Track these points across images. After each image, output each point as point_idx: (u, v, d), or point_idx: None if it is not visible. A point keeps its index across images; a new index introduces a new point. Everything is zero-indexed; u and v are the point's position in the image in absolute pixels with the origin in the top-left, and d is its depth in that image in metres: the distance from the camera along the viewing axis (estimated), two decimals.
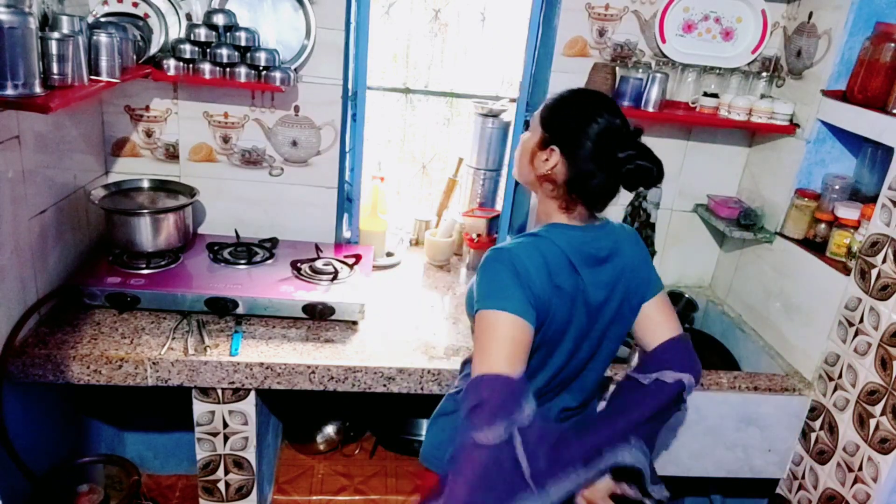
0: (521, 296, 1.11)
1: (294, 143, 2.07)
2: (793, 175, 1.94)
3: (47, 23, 1.49)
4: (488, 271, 1.15)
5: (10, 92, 1.23)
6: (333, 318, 1.76)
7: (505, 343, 1.09)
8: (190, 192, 1.96)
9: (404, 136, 2.52)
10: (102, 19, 1.74)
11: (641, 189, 2.19)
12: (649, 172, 1.16)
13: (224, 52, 1.81)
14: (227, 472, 1.74)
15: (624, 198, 2.23)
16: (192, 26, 1.81)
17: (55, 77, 1.36)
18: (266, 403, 1.82)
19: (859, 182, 1.86)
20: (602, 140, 1.14)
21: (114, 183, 1.94)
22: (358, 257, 1.98)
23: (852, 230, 1.72)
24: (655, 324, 1.33)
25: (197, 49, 1.82)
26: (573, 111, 1.17)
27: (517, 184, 2.29)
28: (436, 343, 1.77)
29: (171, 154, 2.06)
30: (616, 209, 2.25)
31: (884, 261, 1.58)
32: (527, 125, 2.21)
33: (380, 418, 2.13)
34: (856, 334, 1.65)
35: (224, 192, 2.10)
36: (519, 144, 1.27)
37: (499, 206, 2.42)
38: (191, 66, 1.82)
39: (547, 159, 1.18)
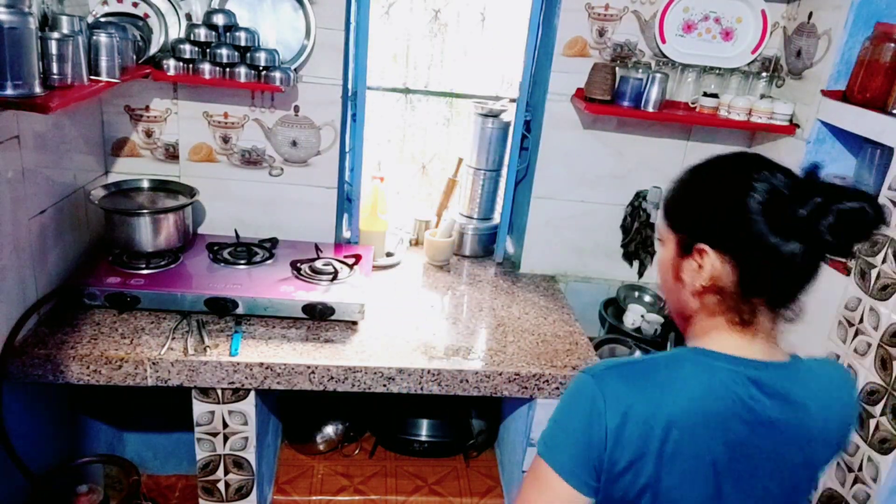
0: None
1: (294, 144, 2.07)
2: None
3: (47, 23, 1.49)
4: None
5: (9, 92, 1.23)
6: (333, 318, 1.76)
7: None
8: (190, 192, 1.95)
9: (404, 136, 2.52)
10: (102, 19, 1.74)
11: (644, 189, 2.20)
12: (861, 214, 0.80)
13: (224, 52, 1.81)
14: (226, 472, 1.74)
15: (623, 198, 2.24)
16: (191, 26, 1.81)
17: (55, 77, 1.36)
18: (266, 403, 1.82)
19: (859, 182, 1.86)
20: (768, 205, 0.82)
21: (113, 183, 1.94)
22: (358, 257, 1.98)
23: None
24: None
25: (197, 49, 1.82)
26: (710, 190, 0.88)
27: (517, 185, 2.30)
28: (436, 343, 1.77)
29: (171, 154, 2.05)
30: (616, 209, 2.25)
31: (884, 261, 1.58)
32: (527, 126, 2.22)
33: (380, 418, 2.13)
34: (856, 334, 1.65)
35: (224, 192, 2.10)
36: (658, 265, 0.98)
37: (499, 206, 2.42)
38: (191, 66, 1.82)
39: (699, 266, 0.87)
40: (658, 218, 0.99)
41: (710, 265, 0.86)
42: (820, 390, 0.90)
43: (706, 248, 0.85)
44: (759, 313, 0.87)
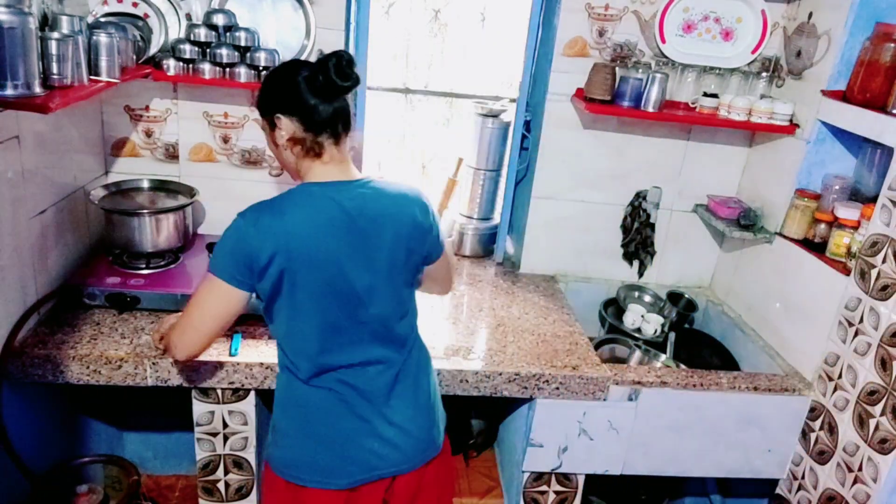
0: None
1: None
2: (793, 175, 1.95)
3: (47, 23, 1.48)
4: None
5: (9, 92, 1.23)
6: None
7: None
8: (190, 192, 1.95)
9: (404, 136, 2.52)
10: (102, 19, 1.74)
11: (644, 189, 2.21)
12: (340, 58, 1.20)
13: (224, 52, 1.81)
14: (226, 472, 1.74)
15: (623, 198, 2.24)
16: (191, 26, 1.81)
17: (55, 77, 1.36)
18: (266, 404, 1.82)
19: (859, 182, 1.86)
20: (309, 83, 1.21)
21: (113, 183, 1.94)
22: None
23: (852, 230, 1.72)
24: (437, 281, 1.51)
25: (197, 49, 1.82)
26: (270, 87, 1.26)
27: (517, 185, 2.30)
28: (436, 343, 1.77)
29: (171, 154, 2.05)
30: (615, 209, 2.25)
31: (884, 261, 1.58)
32: (527, 126, 2.22)
33: None
34: (856, 334, 1.65)
35: (224, 192, 2.10)
36: (270, 151, 1.35)
37: (499, 206, 2.42)
38: (191, 66, 1.82)
39: (280, 128, 1.24)
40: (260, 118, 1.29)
41: (285, 125, 1.23)
42: (395, 194, 1.31)
43: (280, 115, 1.23)
44: (327, 147, 1.25)
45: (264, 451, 1.38)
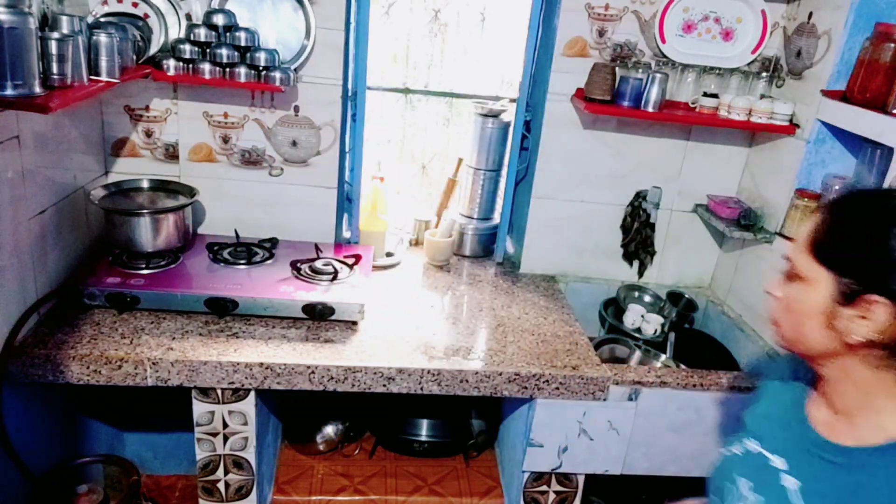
0: None
1: (294, 144, 2.07)
2: (793, 175, 1.94)
3: (47, 23, 1.48)
4: None
5: (9, 92, 1.23)
6: (333, 318, 1.76)
7: None
8: (190, 192, 1.95)
9: (404, 136, 2.52)
10: (102, 19, 1.74)
11: (644, 189, 2.20)
12: None
13: (224, 52, 1.81)
14: (226, 472, 1.74)
15: (623, 198, 2.24)
16: (191, 26, 1.81)
17: (55, 77, 1.36)
18: (266, 404, 1.82)
19: (859, 182, 1.86)
20: None
21: (113, 183, 1.94)
22: (358, 257, 1.98)
23: None
24: None
25: (197, 49, 1.82)
26: (881, 229, 0.75)
27: (517, 185, 2.30)
28: (436, 343, 1.77)
29: (171, 154, 2.05)
30: (615, 209, 2.25)
31: None
32: (527, 126, 2.22)
33: (380, 418, 2.13)
34: None
35: (224, 192, 2.10)
36: (784, 303, 0.86)
37: (499, 206, 2.42)
38: (191, 66, 1.82)
39: (865, 318, 0.77)
40: (800, 248, 0.85)
41: (882, 316, 0.74)
42: None
43: (880, 299, 0.74)
44: None
45: None
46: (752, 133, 2.17)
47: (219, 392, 1.62)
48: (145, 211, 1.82)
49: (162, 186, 2.00)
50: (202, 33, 1.80)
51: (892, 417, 0.77)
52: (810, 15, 1.92)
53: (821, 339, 0.80)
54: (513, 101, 2.31)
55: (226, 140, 2.05)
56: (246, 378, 1.59)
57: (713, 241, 2.34)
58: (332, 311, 1.75)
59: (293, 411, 2.11)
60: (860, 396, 0.80)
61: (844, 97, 1.78)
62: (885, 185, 1.58)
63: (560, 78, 2.06)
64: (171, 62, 1.80)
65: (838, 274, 0.78)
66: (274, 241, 2.06)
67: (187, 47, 1.80)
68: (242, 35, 1.82)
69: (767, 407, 1.00)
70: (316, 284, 1.83)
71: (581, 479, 1.86)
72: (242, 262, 1.91)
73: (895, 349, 0.75)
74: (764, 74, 2.06)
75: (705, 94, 2.01)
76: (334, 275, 1.87)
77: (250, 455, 1.72)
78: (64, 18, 1.44)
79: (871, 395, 0.78)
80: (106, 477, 1.91)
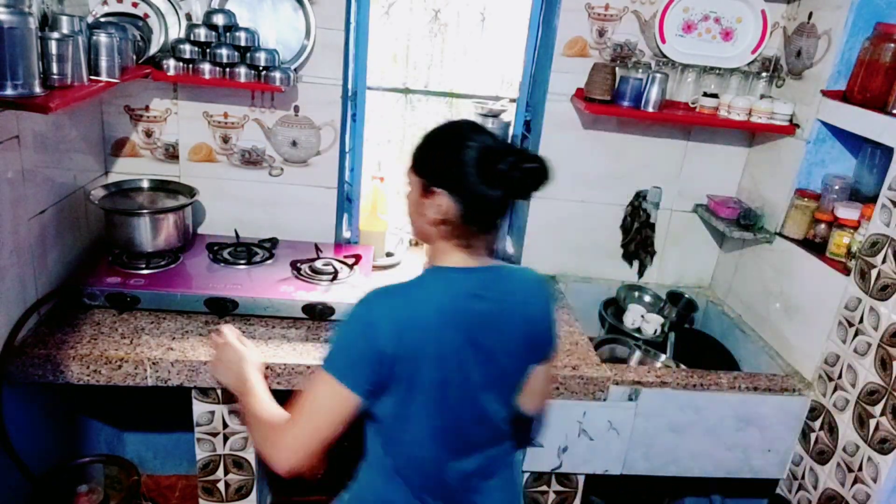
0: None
1: (294, 144, 2.07)
2: (793, 175, 1.95)
3: (47, 23, 1.48)
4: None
5: (9, 92, 1.23)
6: (333, 318, 1.76)
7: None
8: (190, 192, 1.95)
9: (404, 136, 2.52)
10: (102, 19, 1.74)
11: (644, 189, 2.20)
12: (535, 172, 1.10)
13: (224, 52, 1.81)
14: (226, 472, 1.74)
15: (623, 198, 2.24)
16: (191, 26, 1.81)
17: (55, 77, 1.36)
18: None
19: (859, 182, 1.86)
20: (481, 162, 1.09)
21: (113, 183, 1.94)
22: (358, 257, 1.98)
23: (852, 230, 1.72)
24: (535, 392, 1.29)
25: (197, 49, 1.82)
26: (442, 149, 1.13)
27: None
28: None
29: (171, 154, 2.05)
30: (615, 209, 2.25)
31: (884, 261, 1.58)
32: (527, 126, 2.22)
33: None
34: (856, 334, 1.65)
35: (224, 192, 2.10)
36: (407, 205, 1.22)
37: None
38: (191, 66, 1.82)
39: (437, 204, 1.12)
40: (408, 164, 1.19)
41: (443, 203, 1.11)
42: (522, 282, 1.22)
43: (441, 190, 1.11)
44: (474, 237, 1.15)
45: None
46: (752, 133, 2.17)
47: (219, 392, 1.62)
48: (145, 211, 1.82)
49: (162, 186, 2.00)
50: (202, 33, 1.80)
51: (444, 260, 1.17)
52: (810, 15, 1.92)
53: (421, 224, 1.17)
54: (513, 101, 2.30)
55: (226, 140, 2.05)
56: None
57: (713, 241, 2.34)
58: (332, 311, 1.75)
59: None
60: (438, 256, 1.18)
61: (844, 97, 1.78)
62: (885, 184, 1.58)
63: (560, 78, 2.06)
64: (171, 62, 1.80)
65: (421, 176, 1.14)
66: (274, 241, 2.06)
67: (187, 47, 1.80)
68: (242, 35, 1.82)
69: None
70: (316, 284, 1.83)
71: (581, 479, 1.86)
72: (242, 262, 1.91)
73: (454, 224, 1.12)
74: (764, 74, 2.06)
75: (705, 94, 2.01)
76: (334, 275, 1.87)
77: (250, 455, 1.72)
78: (64, 18, 1.44)
79: (443, 255, 1.17)
80: (106, 477, 1.91)
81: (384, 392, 1.10)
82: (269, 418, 1.21)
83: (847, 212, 1.73)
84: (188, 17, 1.89)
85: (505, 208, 1.15)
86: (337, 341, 1.11)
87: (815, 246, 1.87)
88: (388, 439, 1.17)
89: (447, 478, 1.19)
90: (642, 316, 2.15)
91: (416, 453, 1.17)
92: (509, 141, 1.15)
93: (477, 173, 1.09)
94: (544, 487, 1.85)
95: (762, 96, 2.04)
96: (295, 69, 1.94)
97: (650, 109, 1.95)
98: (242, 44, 1.83)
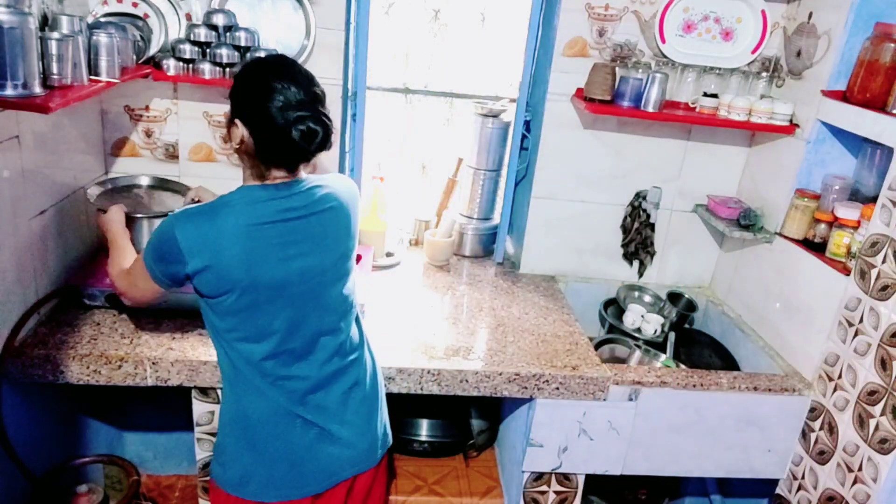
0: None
1: None
2: (793, 175, 1.95)
3: (47, 23, 1.49)
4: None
5: (9, 92, 1.23)
6: None
7: None
8: (185, 190, 1.94)
9: (404, 136, 2.52)
10: (102, 19, 1.74)
11: (644, 189, 2.21)
12: (315, 134, 1.21)
13: (224, 52, 1.81)
14: None
15: (623, 198, 2.24)
16: (191, 26, 1.81)
17: (55, 77, 1.36)
18: None
19: (859, 182, 1.86)
20: (277, 107, 1.19)
21: (109, 180, 1.92)
22: (358, 257, 1.98)
23: (852, 230, 1.72)
24: None
25: (197, 49, 1.82)
26: (250, 84, 1.22)
27: (517, 185, 2.30)
28: (436, 343, 1.77)
29: (171, 154, 2.05)
30: (615, 209, 2.25)
31: (884, 261, 1.58)
32: (527, 126, 2.22)
33: None
34: (855, 334, 1.65)
35: (224, 192, 2.09)
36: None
37: (499, 206, 2.42)
38: (191, 66, 1.82)
39: (237, 133, 1.24)
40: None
41: (240, 133, 1.23)
42: (327, 182, 1.34)
43: (239, 122, 1.23)
44: (272, 171, 1.26)
45: (211, 470, 1.37)
46: (752, 133, 2.17)
47: (219, 392, 1.62)
48: (140, 215, 1.81)
49: (160, 185, 1.99)
50: (202, 33, 1.80)
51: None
52: (810, 15, 1.92)
53: (230, 146, 1.29)
54: (513, 101, 2.31)
55: (226, 140, 2.05)
56: None
57: (713, 241, 2.34)
58: None
59: None
60: (245, 178, 1.30)
61: (844, 97, 1.78)
62: (885, 184, 1.58)
63: (560, 78, 2.06)
64: (171, 62, 1.80)
65: (230, 103, 1.26)
66: None
67: (187, 47, 1.80)
68: (242, 35, 1.82)
69: None
70: None
71: (581, 479, 1.86)
72: None
73: (250, 154, 1.24)
74: (764, 74, 2.06)
75: (705, 94, 2.01)
76: None
77: None
78: (64, 18, 1.44)
79: (247, 179, 1.30)
80: (106, 477, 1.91)
81: (213, 297, 1.24)
82: (119, 261, 1.46)
83: (847, 212, 1.73)
84: (188, 17, 1.88)
85: (290, 153, 1.23)
86: (151, 247, 1.25)
87: (815, 246, 1.87)
88: (231, 343, 1.28)
89: (281, 376, 1.29)
90: (642, 316, 2.15)
91: (251, 353, 1.27)
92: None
93: (269, 116, 1.19)
94: (544, 487, 1.85)
95: (762, 96, 2.04)
96: None
97: (650, 109, 1.95)
98: (242, 44, 1.83)
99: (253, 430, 1.29)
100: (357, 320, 1.44)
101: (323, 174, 1.38)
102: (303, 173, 1.30)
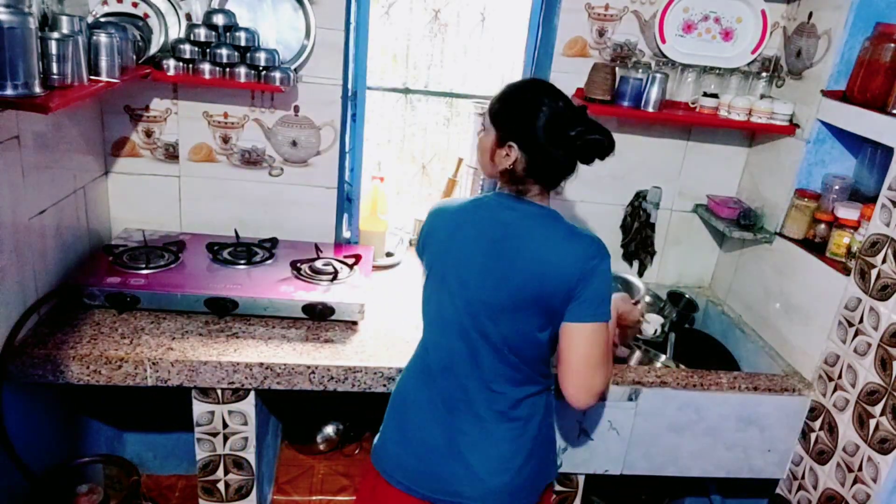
0: None
1: (294, 144, 2.07)
2: (793, 175, 1.95)
3: (47, 23, 1.48)
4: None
5: (9, 92, 1.23)
6: (333, 318, 1.76)
7: None
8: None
9: (404, 136, 2.52)
10: (102, 19, 1.74)
11: (644, 189, 2.20)
12: (600, 144, 1.25)
13: (224, 52, 1.81)
14: (226, 472, 1.74)
15: (623, 198, 2.24)
16: (191, 26, 1.81)
17: (55, 77, 1.36)
18: (266, 404, 1.82)
19: (859, 182, 1.86)
20: (551, 125, 1.22)
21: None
22: (358, 257, 1.98)
23: (852, 230, 1.72)
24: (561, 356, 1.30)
25: (197, 49, 1.82)
26: (518, 107, 1.25)
27: None
28: None
29: (171, 154, 2.06)
30: (615, 209, 2.25)
31: (884, 261, 1.58)
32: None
33: (380, 418, 2.13)
34: (855, 334, 1.65)
35: (224, 192, 2.10)
36: (477, 144, 1.36)
37: None
38: (191, 66, 1.82)
39: (507, 155, 1.25)
40: (486, 112, 1.31)
41: (514, 156, 1.25)
42: (552, 223, 1.30)
43: (514, 144, 1.24)
44: (532, 188, 1.29)
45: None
46: (752, 133, 2.17)
47: (219, 392, 1.62)
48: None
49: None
50: (202, 33, 1.80)
51: None
52: (810, 15, 1.92)
53: (490, 167, 1.31)
54: None
55: (226, 140, 2.05)
56: (246, 378, 1.59)
57: (713, 241, 2.34)
58: (332, 311, 1.75)
59: (293, 411, 2.11)
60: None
61: (844, 97, 1.78)
62: (885, 184, 1.58)
63: (560, 78, 2.06)
64: (171, 62, 1.80)
65: (497, 128, 1.27)
66: (274, 241, 2.06)
67: (187, 47, 1.80)
68: (242, 35, 1.82)
69: None
70: (316, 284, 1.83)
71: (581, 479, 1.86)
72: (242, 262, 1.91)
73: (518, 174, 1.27)
74: (764, 74, 2.06)
75: (705, 94, 2.01)
76: (334, 275, 1.87)
77: (250, 455, 1.72)
78: (64, 18, 1.44)
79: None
80: (106, 477, 1.91)
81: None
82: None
83: (847, 212, 1.73)
84: (188, 17, 1.88)
85: (568, 170, 1.28)
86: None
87: (815, 246, 1.87)
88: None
89: (433, 367, 1.39)
90: (642, 316, 2.15)
91: (426, 338, 1.42)
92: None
93: (545, 135, 1.21)
94: None
95: (762, 96, 2.04)
96: (295, 69, 1.94)
97: (650, 109, 1.95)
98: (242, 44, 1.83)
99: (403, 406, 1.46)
100: None
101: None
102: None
